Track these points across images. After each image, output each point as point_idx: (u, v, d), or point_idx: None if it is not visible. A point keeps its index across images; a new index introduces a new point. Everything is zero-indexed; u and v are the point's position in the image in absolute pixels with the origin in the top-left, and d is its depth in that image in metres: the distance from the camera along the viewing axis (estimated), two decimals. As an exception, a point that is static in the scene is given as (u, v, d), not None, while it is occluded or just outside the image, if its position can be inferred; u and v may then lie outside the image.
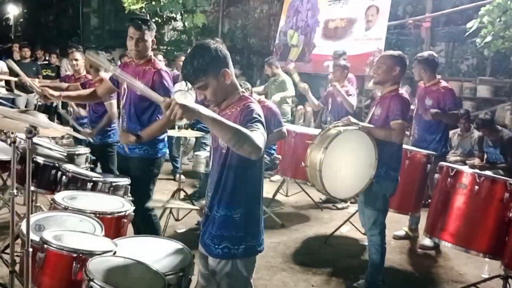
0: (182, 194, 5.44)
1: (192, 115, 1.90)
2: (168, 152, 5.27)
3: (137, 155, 3.72)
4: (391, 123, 3.65)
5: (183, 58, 6.79)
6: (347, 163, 3.73)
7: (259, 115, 2.18)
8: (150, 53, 3.74)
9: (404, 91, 5.27)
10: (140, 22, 3.61)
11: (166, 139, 3.94)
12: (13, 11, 24.79)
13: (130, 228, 3.47)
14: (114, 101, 4.71)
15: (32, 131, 2.23)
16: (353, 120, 3.78)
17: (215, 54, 2.20)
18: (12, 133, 3.48)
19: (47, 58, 10.68)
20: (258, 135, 2.04)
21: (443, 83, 4.98)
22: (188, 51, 2.31)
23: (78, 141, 5.18)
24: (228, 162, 2.26)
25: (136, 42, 3.59)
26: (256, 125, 2.11)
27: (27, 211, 2.18)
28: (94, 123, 4.98)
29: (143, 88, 2.11)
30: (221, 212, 2.30)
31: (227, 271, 2.32)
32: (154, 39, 3.73)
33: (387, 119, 3.68)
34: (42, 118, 2.67)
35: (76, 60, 5.61)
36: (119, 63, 11.29)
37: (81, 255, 2.34)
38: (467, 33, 6.91)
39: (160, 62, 4.03)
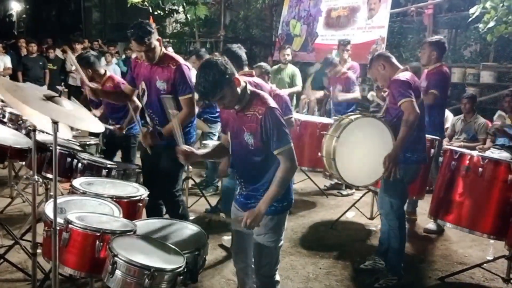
0: (190, 183, 5.55)
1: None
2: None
3: (165, 143, 3.78)
4: (398, 103, 3.58)
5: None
6: (364, 151, 3.73)
7: (280, 116, 2.51)
8: (162, 49, 3.67)
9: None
10: (141, 34, 3.48)
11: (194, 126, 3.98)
12: (16, 7, 24.93)
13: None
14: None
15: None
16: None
17: (224, 68, 2.41)
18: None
19: (52, 52, 10.74)
20: (288, 154, 2.50)
21: (444, 68, 4.97)
22: (197, 72, 2.46)
23: (95, 133, 5.18)
24: (257, 154, 2.59)
25: (145, 54, 3.55)
26: (283, 140, 2.49)
27: (54, 192, 2.29)
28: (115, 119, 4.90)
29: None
30: (264, 182, 2.60)
31: (272, 225, 2.63)
32: (159, 37, 3.64)
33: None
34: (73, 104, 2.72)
35: None
36: (123, 56, 11.36)
37: (103, 233, 2.46)
38: (470, 19, 6.88)
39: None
